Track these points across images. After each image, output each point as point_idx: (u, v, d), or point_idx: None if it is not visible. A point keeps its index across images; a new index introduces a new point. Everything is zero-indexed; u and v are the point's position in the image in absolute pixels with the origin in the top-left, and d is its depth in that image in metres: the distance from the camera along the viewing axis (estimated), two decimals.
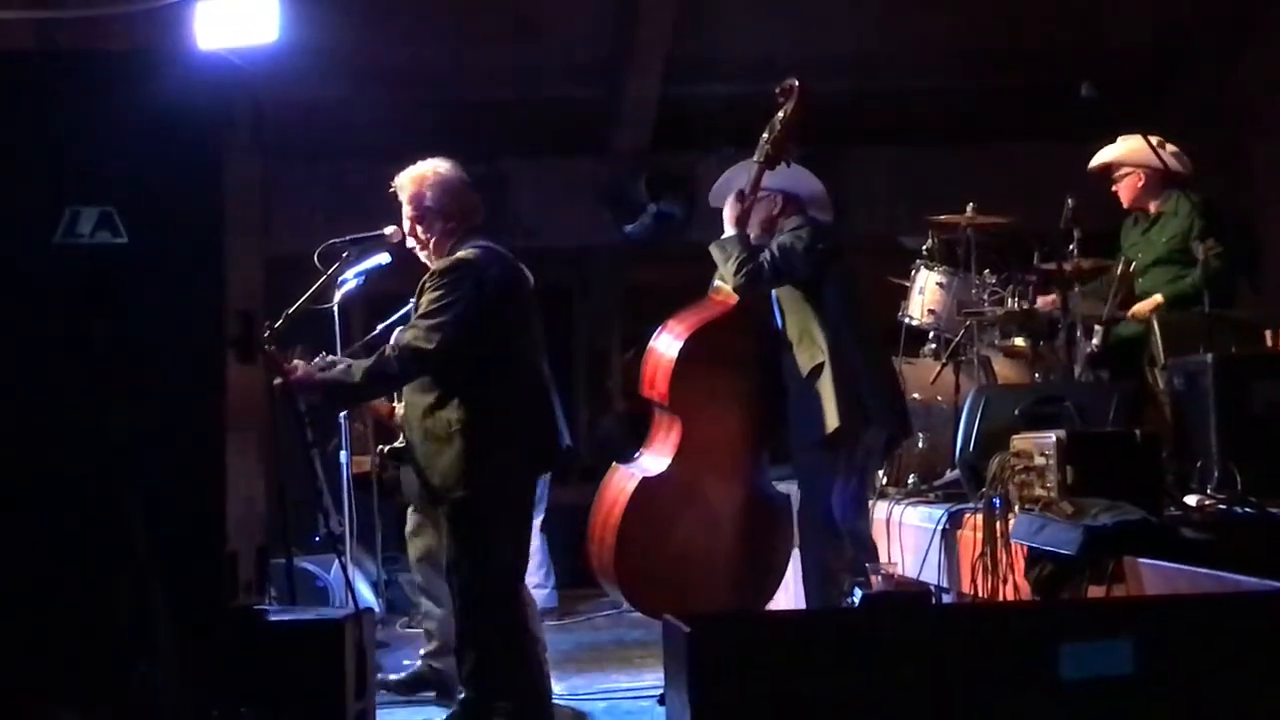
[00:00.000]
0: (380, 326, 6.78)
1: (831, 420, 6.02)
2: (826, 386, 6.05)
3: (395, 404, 6.09)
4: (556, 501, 9.09)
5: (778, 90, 6.26)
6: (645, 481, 6.39)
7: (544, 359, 5.78)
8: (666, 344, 6.45)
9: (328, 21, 9.13)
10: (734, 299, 6.38)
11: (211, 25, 7.03)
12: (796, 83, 6.23)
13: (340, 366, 5.54)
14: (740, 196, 6.24)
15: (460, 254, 5.55)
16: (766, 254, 6.13)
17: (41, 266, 4.05)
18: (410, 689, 6.44)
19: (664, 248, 11.38)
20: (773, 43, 10.23)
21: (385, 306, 6.44)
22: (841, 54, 10.79)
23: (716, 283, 6.49)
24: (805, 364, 6.12)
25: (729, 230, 6.23)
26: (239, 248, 4.18)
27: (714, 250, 6.26)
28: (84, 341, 3.97)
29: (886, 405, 6.31)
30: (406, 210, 5.70)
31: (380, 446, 6.43)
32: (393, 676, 6.54)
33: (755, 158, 6.21)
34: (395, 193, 5.74)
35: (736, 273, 6.11)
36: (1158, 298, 7.08)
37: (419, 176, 5.68)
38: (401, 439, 5.80)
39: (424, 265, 5.72)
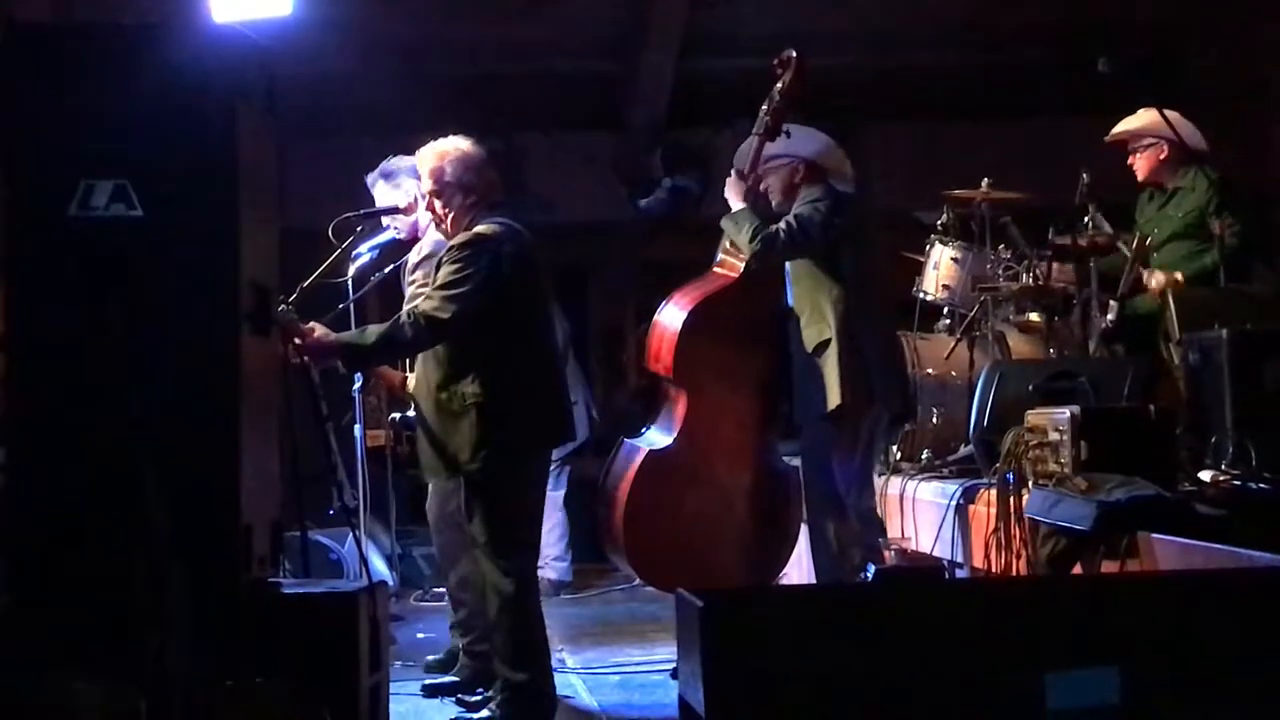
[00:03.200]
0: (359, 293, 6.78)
1: (834, 397, 6.02)
2: (831, 362, 6.04)
3: (406, 374, 6.10)
4: (574, 476, 9.11)
5: (775, 62, 6.27)
6: (651, 455, 6.40)
7: (559, 336, 5.77)
8: (670, 316, 6.45)
9: None
10: (738, 271, 6.37)
11: None
12: (794, 54, 6.24)
13: (355, 329, 5.57)
14: (741, 175, 6.23)
15: (479, 229, 5.56)
16: (783, 223, 6.11)
17: (56, 239, 4.06)
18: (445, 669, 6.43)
19: (679, 223, 11.37)
20: (789, 18, 10.19)
21: (398, 279, 6.44)
22: (858, 29, 10.76)
23: (721, 255, 6.49)
24: (812, 339, 6.11)
25: (736, 206, 6.22)
26: (253, 221, 4.19)
27: (726, 224, 6.26)
28: (98, 314, 3.98)
29: (892, 384, 6.30)
30: (426, 184, 5.70)
31: (392, 416, 6.42)
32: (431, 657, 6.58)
33: (755, 130, 6.22)
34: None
35: (752, 240, 6.09)
36: (1178, 275, 7.05)
37: (440, 151, 5.70)
38: (412, 409, 5.82)
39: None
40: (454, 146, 5.72)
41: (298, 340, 5.17)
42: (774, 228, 6.09)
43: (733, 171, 6.32)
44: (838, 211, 6.17)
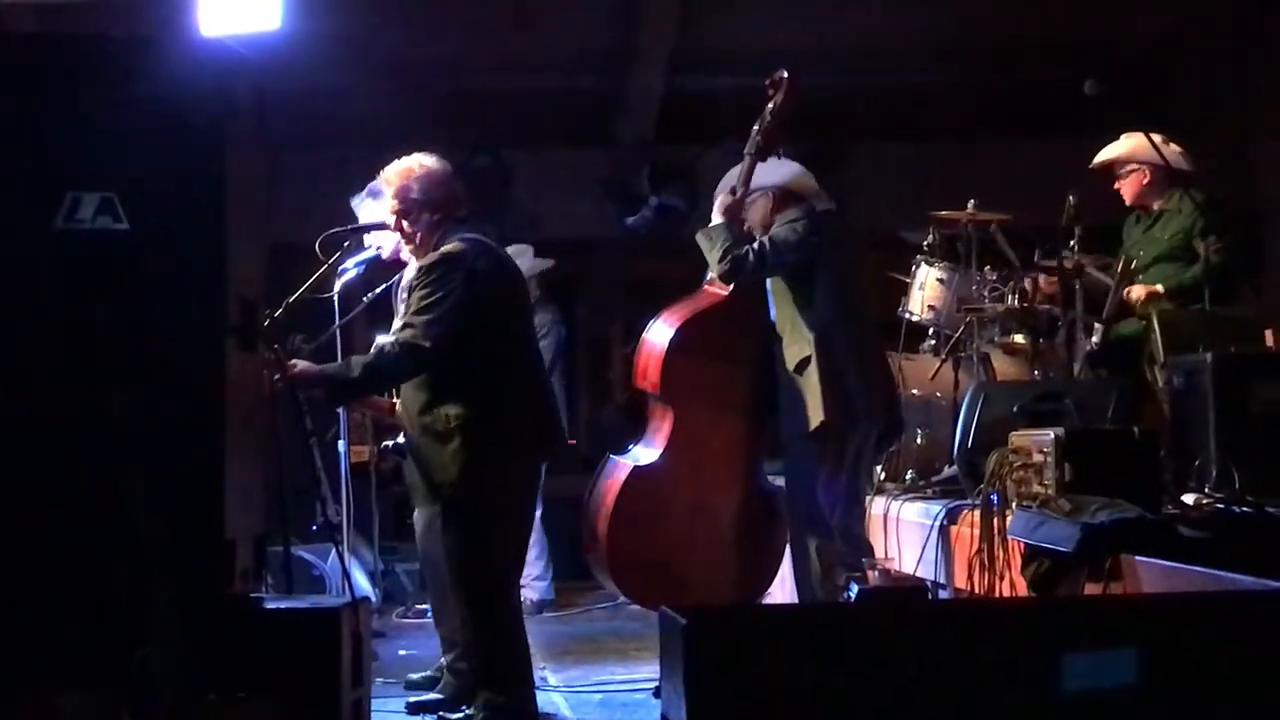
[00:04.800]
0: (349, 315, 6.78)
1: (815, 415, 6.01)
2: (812, 381, 6.03)
3: (395, 400, 6.10)
4: (555, 493, 9.08)
5: (767, 82, 6.28)
6: (637, 472, 6.40)
7: (553, 341, 5.73)
8: (658, 334, 6.46)
9: (331, 9, 9.12)
10: (726, 290, 6.37)
11: (214, 12, 7.02)
12: (786, 74, 6.25)
13: (339, 361, 5.53)
14: (733, 191, 6.23)
15: (447, 248, 5.53)
16: (755, 244, 6.12)
17: (42, 252, 4.05)
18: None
19: (666, 240, 11.37)
20: (778, 36, 10.22)
21: (385, 296, 6.44)
22: (846, 48, 10.78)
23: (710, 274, 6.49)
24: (793, 357, 6.11)
25: (715, 220, 6.22)
26: (240, 235, 4.19)
27: (700, 239, 6.25)
28: (84, 327, 3.97)
29: (876, 402, 6.27)
30: (392, 204, 5.69)
31: (385, 443, 6.40)
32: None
33: (746, 149, 6.22)
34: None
35: (720, 260, 6.09)
36: (1158, 287, 7.08)
37: (404, 170, 5.69)
38: (402, 435, 5.80)
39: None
40: (418, 164, 5.70)
41: (280, 376, 5.16)
42: (744, 248, 6.09)
43: (724, 190, 6.32)
44: (816, 230, 6.17)
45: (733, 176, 6.36)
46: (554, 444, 5.90)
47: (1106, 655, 3.54)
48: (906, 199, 9.94)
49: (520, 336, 5.74)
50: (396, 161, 5.74)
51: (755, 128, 6.22)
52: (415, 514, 6.31)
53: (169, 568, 3.85)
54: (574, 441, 9.39)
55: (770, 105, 6.22)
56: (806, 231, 6.13)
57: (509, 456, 5.53)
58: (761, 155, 6.22)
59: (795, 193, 6.33)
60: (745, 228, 6.32)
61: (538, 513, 8.84)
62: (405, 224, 5.67)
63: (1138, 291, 7.07)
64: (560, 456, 6.29)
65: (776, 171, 6.34)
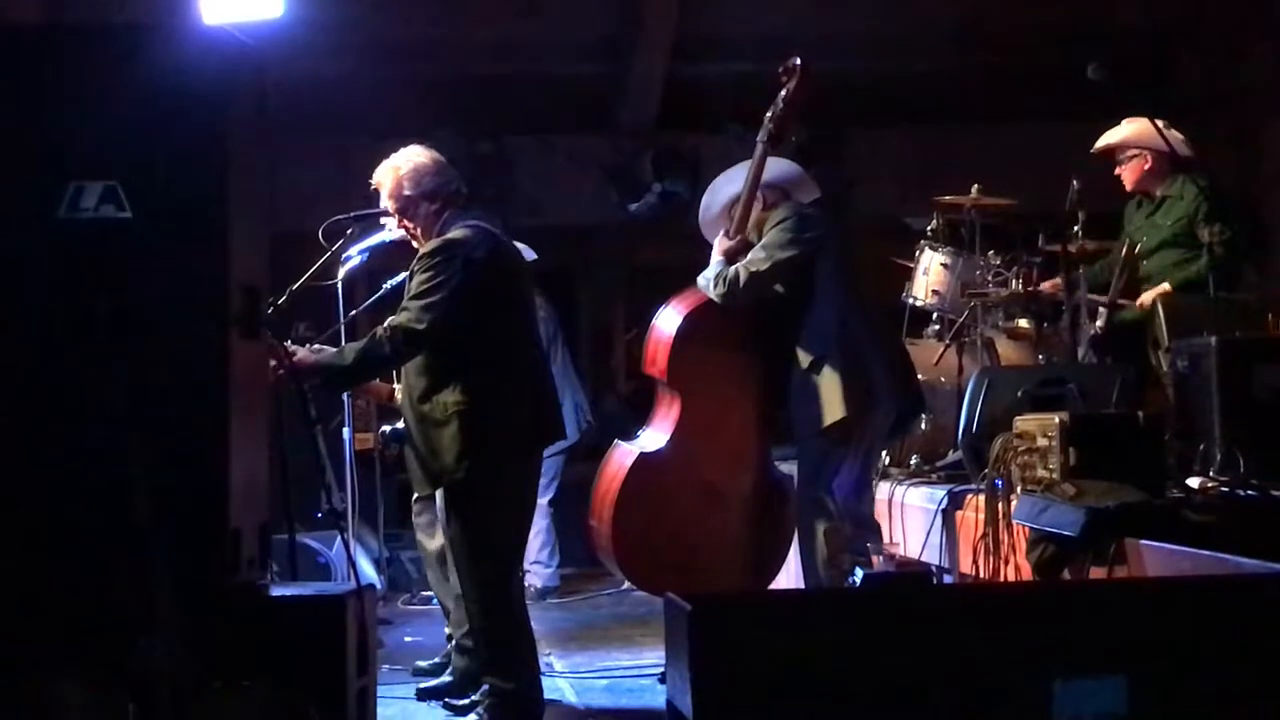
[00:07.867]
0: (361, 307, 6.80)
1: (836, 411, 5.93)
2: (831, 376, 5.97)
3: (395, 385, 6.09)
4: (563, 480, 9.07)
5: (780, 70, 6.26)
6: (643, 457, 6.40)
7: (546, 330, 5.71)
8: (667, 321, 6.45)
9: None
10: None
11: (217, 0, 7.03)
12: (799, 61, 6.23)
13: (334, 349, 5.54)
14: (727, 235, 6.24)
15: (449, 234, 5.55)
16: (745, 258, 6.09)
17: (45, 241, 4.05)
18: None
19: (668, 227, 11.37)
20: (780, 21, 10.22)
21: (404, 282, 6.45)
22: (849, 33, 10.77)
23: None
24: (805, 358, 6.07)
25: (715, 259, 6.24)
26: (243, 223, 4.18)
27: (700, 285, 6.27)
28: (87, 316, 3.97)
29: (898, 385, 6.22)
30: (390, 204, 5.72)
31: (382, 429, 6.42)
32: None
33: (759, 138, 6.21)
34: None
35: (715, 286, 6.12)
36: (1165, 286, 7.07)
37: (393, 168, 5.71)
38: (402, 421, 5.81)
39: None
40: (406, 160, 5.72)
41: (275, 363, 5.16)
42: (733, 269, 6.09)
43: (719, 201, 6.35)
44: (806, 226, 6.14)
45: (734, 172, 6.34)
46: (552, 433, 5.88)
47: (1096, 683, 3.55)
48: (909, 184, 9.95)
49: (520, 324, 5.73)
50: (385, 161, 5.76)
51: (768, 115, 6.20)
52: (414, 502, 6.33)
53: (173, 557, 3.85)
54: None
55: (783, 93, 6.20)
56: (797, 230, 6.10)
57: (507, 444, 5.53)
58: (774, 143, 6.20)
59: (782, 189, 6.33)
60: (747, 229, 6.32)
61: (548, 498, 8.87)
62: (406, 220, 5.70)
63: (1147, 298, 7.07)
64: (555, 441, 6.27)
65: (775, 170, 6.32)
